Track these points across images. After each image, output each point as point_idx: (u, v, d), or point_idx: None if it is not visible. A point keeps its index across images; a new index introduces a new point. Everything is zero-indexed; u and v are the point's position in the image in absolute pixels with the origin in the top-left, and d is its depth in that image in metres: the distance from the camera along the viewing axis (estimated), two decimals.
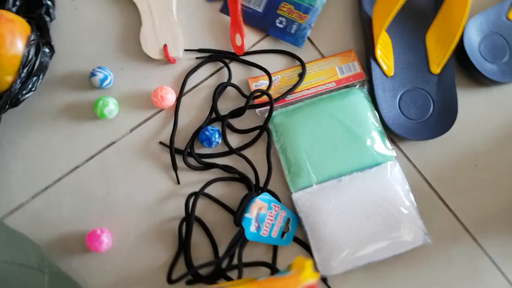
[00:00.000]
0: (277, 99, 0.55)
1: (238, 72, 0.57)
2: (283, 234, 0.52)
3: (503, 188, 0.54)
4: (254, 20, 0.58)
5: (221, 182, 0.53)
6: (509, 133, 0.55)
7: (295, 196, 0.52)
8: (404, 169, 0.53)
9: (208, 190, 0.53)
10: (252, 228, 0.50)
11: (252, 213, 0.51)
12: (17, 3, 0.54)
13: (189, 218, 0.51)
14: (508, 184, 0.54)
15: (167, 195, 0.53)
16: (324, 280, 0.51)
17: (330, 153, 0.53)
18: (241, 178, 0.53)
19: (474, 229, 0.53)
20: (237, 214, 0.51)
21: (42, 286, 0.41)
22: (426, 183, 0.54)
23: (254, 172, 0.53)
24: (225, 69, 0.57)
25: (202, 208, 0.52)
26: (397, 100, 0.55)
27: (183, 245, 0.51)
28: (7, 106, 0.49)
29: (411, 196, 0.52)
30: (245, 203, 0.51)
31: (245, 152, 0.54)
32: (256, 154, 0.54)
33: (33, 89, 0.51)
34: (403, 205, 0.51)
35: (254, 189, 0.53)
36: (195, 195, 0.52)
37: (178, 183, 0.53)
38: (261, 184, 0.53)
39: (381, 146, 0.53)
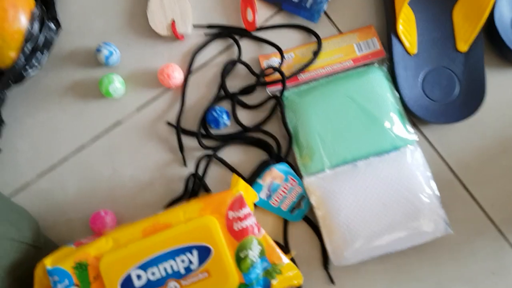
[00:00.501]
0: (289, 77, 0.52)
1: (249, 49, 0.54)
2: (293, 210, 0.49)
3: None
4: None
5: (237, 148, 0.51)
6: None
7: (307, 180, 0.49)
8: (426, 154, 0.49)
9: (223, 156, 0.51)
10: (262, 195, 0.49)
11: (265, 180, 0.49)
12: None
13: (199, 179, 0.50)
14: None
15: (174, 178, 0.51)
16: (326, 267, 0.48)
17: (345, 136, 0.49)
18: (261, 144, 0.51)
19: (500, 221, 0.49)
20: (250, 178, 0.49)
21: (36, 262, 0.40)
22: (449, 170, 0.50)
23: (276, 141, 0.51)
24: (235, 46, 0.54)
25: (212, 175, 0.51)
26: (420, 80, 0.51)
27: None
28: (10, 82, 0.48)
29: (433, 184, 0.48)
30: (260, 169, 0.49)
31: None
32: (271, 130, 0.52)
33: (37, 65, 0.50)
34: (424, 193, 0.47)
35: (274, 157, 0.51)
36: (209, 157, 0.50)
37: (185, 165, 0.51)
38: (282, 154, 0.51)
39: (401, 129, 0.50)
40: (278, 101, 0.51)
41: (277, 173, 0.49)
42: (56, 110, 0.52)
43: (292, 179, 0.49)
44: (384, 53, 0.52)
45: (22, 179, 0.51)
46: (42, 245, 0.44)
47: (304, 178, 0.49)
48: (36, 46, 0.49)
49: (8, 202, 0.45)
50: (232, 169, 0.51)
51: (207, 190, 0.50)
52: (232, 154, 0.51)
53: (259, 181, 0.49)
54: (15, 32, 0.47)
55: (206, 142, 0.52)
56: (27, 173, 0.51)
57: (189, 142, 0.52)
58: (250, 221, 0.40)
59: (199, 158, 0.50)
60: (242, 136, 0.52)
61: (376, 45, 0.53)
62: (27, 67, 0.49)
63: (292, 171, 0.50)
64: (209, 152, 0.51)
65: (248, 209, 0.41)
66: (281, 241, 0.49)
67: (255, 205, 0.48)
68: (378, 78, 0.51)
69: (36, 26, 0.49)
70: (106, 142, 0.52)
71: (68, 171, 0.51)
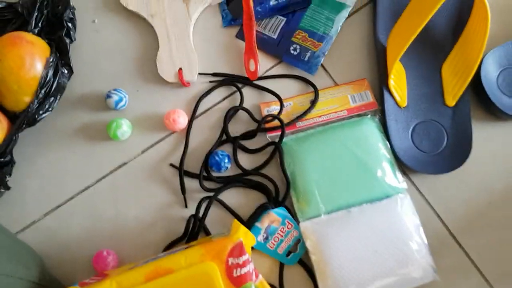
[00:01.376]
0: (288, 124, 0.55)
1: (250, 97, 0.58)
2: (289, 253, 0.51)
3: None
4: (268, 46, 0.59)
5: (237, 191, 0.54)
6: None
7: (303, 225, 0.51)
8: (416, 202, 0.52)
9: (223, 199, 0.53)
10: (260, 238, 0.51)
11: (263, 224, 0.51)
12: (40, 24, 0.56)
13: (199, 221, 0.52)
14: None
15: (175, 219, 0.53)
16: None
17: (340, 183, 0.52)
18: (260, 187, 0.54)
19: (485, 269, 0.51)
20: (248, 221, 0.51)
21: None
22: (437, 218, 0.53)
23: (274, 186, 0.53)
24: (238, 93, 0.58)
25: (213, 216, 0.53)
26: (410, 131, 0.54)
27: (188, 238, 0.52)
28: (24, 125, 0.51)
29: (421, 231, 0.50)
30: (258, 212, 0.52)
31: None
32: (269, 173, 0.54)
33: (50, 109, 0.53)
34: (413, 240, 0.50)
35: (272, 200, 0.53)
36: (210, 199, 0.53)
37: (186, 206, 0.53)
38: (280, 198, 0.53)
39: (392, 178, 0.52)
40: (277, 147, 0.54)
41: (274, 217, 0.51)
42: (65, 151, 0.55)
43: (289, 223, 0.52)
44: (377, 105, 0.56)
45: (29, 217, 0.53)
46: (47, 283, 0.45)
47: (300, 222, 0.52)
48: (49, 91, 0.52)
49: (15, 240, 0.47)
50: (232, 212, 0.53)
51: (206, 232, 0.52)
52: (232, 196, 0.54)
53: (258, 224, 0.51)
54: (31, 79, 0.50)
55: (208, 184, 0.54)
56: (34, 212, 0.53)
57: (191, 184, 0.54)
58: (249, 268, 0.42)
59: (200, 200, 0.53)
60: (242, 180, 0.54)
61: (369, 97, 0.56)
62: (40, 111, 0.52)
63: (289, 215, 0.52)
64: (210, 194, 0.54)
65: (247, 256, 0.43)
66: (277, 284, 0.51)
67: (252, 248, 0.50)
68: (370, 128, 0.54)
69: (51, 72, 0.52)
70: (111, 183, 0.54)
71: (74, 210, 0.53)
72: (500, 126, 0.55)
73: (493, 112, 0.55)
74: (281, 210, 0.52)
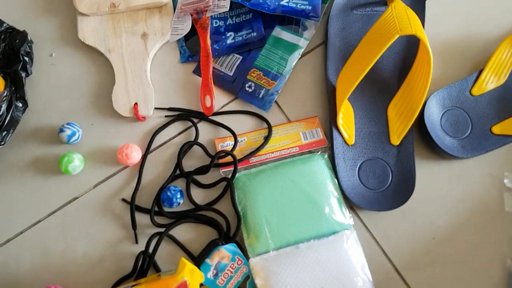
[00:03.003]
0: (241, 160, 0.56)
1: (206, 132, 0.59)
2: None
3: (460, 264, 0.54)
4: (224, 83, 0.60)
5: (189, 226, 0.54)
6: (468, 207, 0.56)
7: (252, 261, 0.52)
8: (362, 238, 0.54)
9: (174, 234, 0.54)
10: (210, 275, 0.51)
11: (213, 260, 0.51)
12: None
13: (148, 257, 0.52)
14: (466, 260, 0.54)
15: (125, 255, 0.53)
16: None
17: (289, 219, 0.53)
18: (212, 223, 0.54)
19: None
20: (198, 257, 0.52)
21: None
22: (383, 254, 0.54)
23: (226, 221, 0.54)
24: (193, 128, 0.59)
25: (164, 252, 0.53)
26: (357, 169, 0.56)
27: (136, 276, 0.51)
28: None
29: (366, 268, 0.52)
30: (209, 248, 0.52)
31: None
32: (222, 209, 0.55)
33: (2, 143, 0.53)
34: (358, 277, 0.51)
35: (223, 236, 0.53)
36: (160, 234, 0.53)
37: (137, 242, 0.53)
38: (231, 233, 0.54)
39: (339, 214, 0.54)
40: (228, 183, 0.55)
41: (225, 253, 0.52)
42: (16, 185, 0.55)
43: (239, 259, 0.52)
44: (326, 142, 0.58)
45: None
46: None
47: (250, 258, 0.52)
48: (2, 125, 0.52)
49: None
50: (183, 248, 0.53)
51: (157, 268, 0.52)
52: (184, 231, 0.54)
53: (208, 260, 0.52)
54: None
55: (159, 219, 0.54)
56: None
57: (143, 219, 0.54)
58: None
59: (150, 236, 0.53)
60: (194, 215, 0.55)
61: (319, 134, 0.58)
62: None
63: (239, 251, 0.53)
64: (161, 230, 0.54)
65: None
66: None
67: (201, 285, 0.51)
68: (320, 165, 0.56)
69: (4, 106, 0.52)
70: (61, 218, 0.54)
71: (23, 245, 0.53)
72: (443, 164, 0.58)
73: (436, 151, 0.58)
74: (231, 246, 0.53)
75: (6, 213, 0.54)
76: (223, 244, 0.52)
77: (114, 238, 0.53)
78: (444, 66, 0.61)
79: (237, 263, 0.52)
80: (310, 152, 0.58)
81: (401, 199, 0.55)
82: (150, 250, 0.52)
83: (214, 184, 0.56)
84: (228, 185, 0.55)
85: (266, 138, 0.58)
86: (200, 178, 0.57)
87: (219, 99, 0.60)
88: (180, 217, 0.55)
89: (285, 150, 0.58)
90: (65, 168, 0.53)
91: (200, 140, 0.58)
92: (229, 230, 0.54)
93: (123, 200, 0.55)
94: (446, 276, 0.53)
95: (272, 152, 0.57)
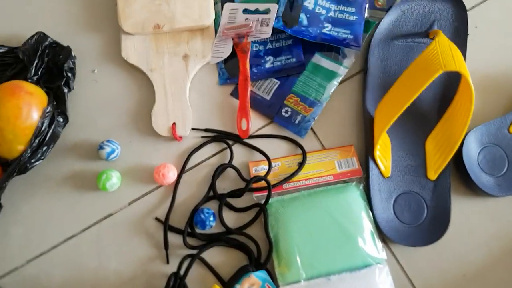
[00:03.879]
0: (274, 185, 0.56)
1: (240, 154, 0.59)
2: None
3: None
4: (261, 107, 0.60)
5: (220, 250, 0.54)
6: (501, 247, 0.55)
7: None
8: (394, 273, 0.53)
9: (205, 256, 0.54)
10: None
11: (243, 286, 0.51)
12: (39, 72, 0.57)
13: (180, 279, 0.52)
14: None
15: (155, 275, 0.53)
16: None
17: (321, 250, 0.53)
18: (243, 248, 0.54)
19: None
20: (228, 282, 0.52)
21: None
22: None
23: (257, 247, 0.54)
24: (228, 150, 0.59)
25: (194, 274, 0.53)
26: (392, 202, 0.56)
27: None
28: (15, 173, 0.51)
29: None
30: (239, 274, 0.52)
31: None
32: (253, 234, 0.55)
33: (42, 157, 0.54)
34: None
35: (254, 262, 0.54)
36: (192, 257, 0.53)
37: (168, 263, 0.54)
38: (262, 260, 0.54)
39: (372, 247, 0.53)
40: (262, 209, 0.55)
41: (255, 280, 0.52)
42: (52, 199, 0.55)
43: (269, 286, 0.52)
44: (361, 172, 0.57)
45: (11, 263, 0.53)
46: None
47: (280, 287, 0.52)
48: (43, 141, 0.53)
49: None
50: (213, 272, 0.53)
51: None
52: (214, 254, 0.54)
53: (237, 286, 0.51)
54: (26, 128, 0.51)
55: (191, 241, 0.55)
56: (16, 258, 0.53)
57: (175, 239, 0.55)
58: None
59: (182, 258, 0.53)
60: (226, 238, 0.55)
61: (354, 164, 0.58)
62: (32, 159, 0.52)
63: (269, 278, 0.53)
64: (193, 251, 0.54)
65: None
66: None
67: None
68: (354, 196, 0.56)
69: (46, 122, 0.53)
70: (95, 233, 0.55)
71: (56, 259, 0.53)
72: (478, 201, 0.57)
73: (472, 188, 0.57)
74: (262, 273, 0.52)
75: (41, 227, 0.54)
76: (253, 271, 0.52)
77: (146, 257, 0.54)
78: (482, 101, 0.61)
79: None
80: (344, 181, 0.58)
81: (435, 235, 0.54)
82: (182, 272, 0.53)
83: (247, 208, 0.56)
84: (261, 210, 0.55)
85: (301, 164, 0.58)
86: (233, 201, 0.57)
87: (255, 123, 0.60)
88: (211, 240, 0.55)
89: (319, 178, 0.57)
90: (103, 185, 0.54)
91: (234, 162, 0.59)
92: (259, 256, 0.54)
93: (157, 219, 0.55)
94: None
95: (306, 179, 0.57)
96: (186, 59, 0.60)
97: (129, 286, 0.53)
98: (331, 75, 0.60)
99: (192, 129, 0.59)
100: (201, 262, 0.54)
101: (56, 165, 0.57)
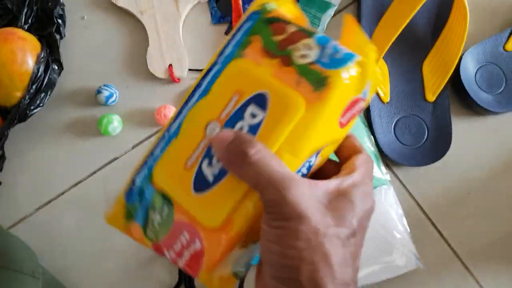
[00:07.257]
0: None
1: None
2: None
3: (496, 217, 0.54)
4: None
5: None
6: (503, 162, 0.56)
7: None
8: (398, 194, 0.54)
9: None
10: None
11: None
12: (29, 20, 0.56)
13: None
14: (501, 214, 0.55)
15: None
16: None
17: None
18: None
19: (466, 257, 0.53)
20: None
21: None
22: (419, 209, 0.55)
23: None
24: None
25: None
26: (393, 126, 0.56)
27: None
28: (15, 120, 0.51)
29: (405, 221, 0.52)
30: None
31: None
32: None
33: (40, 104, 0.53)
34: (397, 229, 0.52)
35: None
36: None
37: None
38: None
39: (376, 170, 0.54)
40: None
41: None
42: (56, 146, 0.55)
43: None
44: None
45: (20, 212, 0.53)
46: (39, 275, 0.46)
47: None
48: (40, 87, 0.53)
49: (7, 234, 0.48)
50: None
51: None
52: None
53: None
54: (22, 73, 0.51)
55: None
56: (25, 206, 0.53)
57: None
58: None
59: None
60: None
61: None
62: (31, 106, 0.52)
63: None
64: None
65: None
66: None
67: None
68: (356, 123, 0.56)
69: (42, 68, 0.53)
70: (101, 178, 0.55)
71: (64, 206, 0.54)
72: (478, 120, 0.58)
73: (471, 107, 0.58)
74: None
75: (47, 174, 0.55)
76: None
77: None
78: (480, 20, 0.61)
79: None
80: None
81: (437, 155, 0.55)
82: None
83: None
84: None
85: None
86: None
87: None
88: None
89: None
90: (104, 129, 0.54)
91: None
92: None
93: None
94: (482, 230, 0.54)
95: None
96: None
97: None
98: (326, 5, 0.60)
99: (189, 70, 0.59)
100: None
101: (56, 113, 0.56)
